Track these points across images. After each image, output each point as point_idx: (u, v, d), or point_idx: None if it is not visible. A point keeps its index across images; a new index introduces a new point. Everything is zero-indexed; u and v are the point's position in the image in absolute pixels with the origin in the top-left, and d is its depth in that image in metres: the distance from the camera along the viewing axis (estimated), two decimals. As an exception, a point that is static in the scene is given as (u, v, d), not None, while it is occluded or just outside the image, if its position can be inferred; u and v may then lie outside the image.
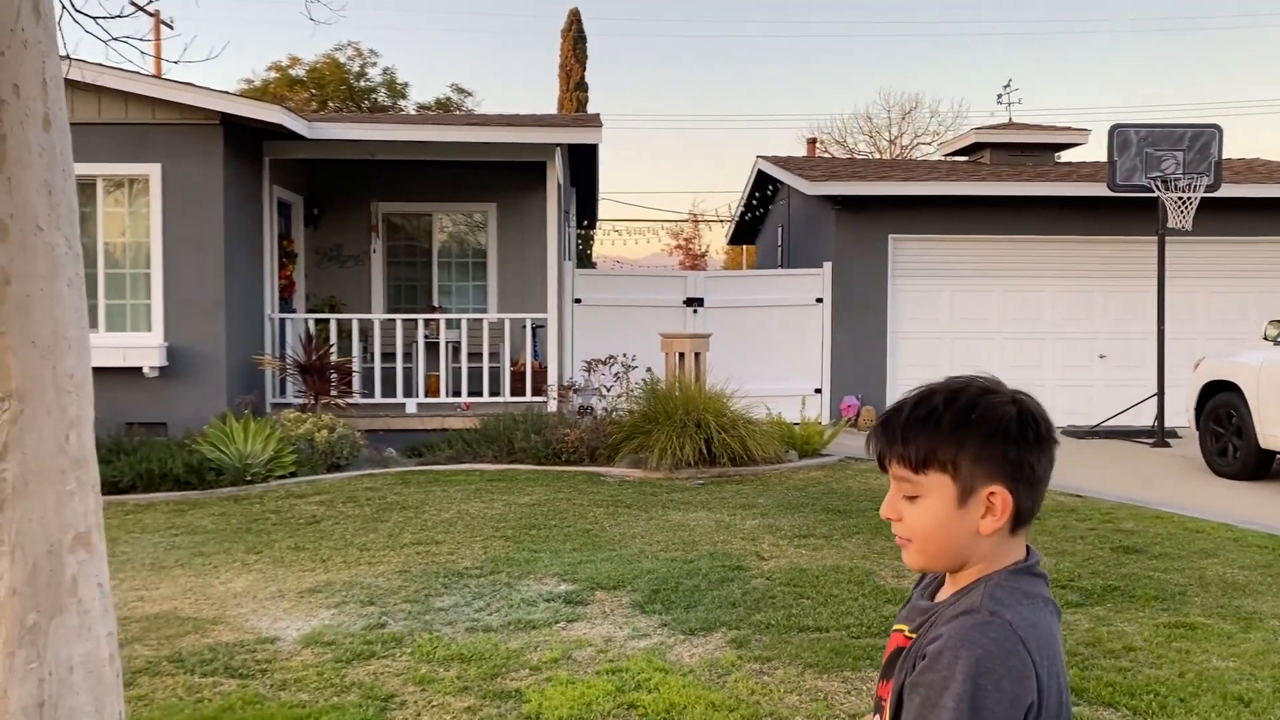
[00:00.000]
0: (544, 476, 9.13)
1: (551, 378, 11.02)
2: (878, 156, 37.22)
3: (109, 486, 7.41)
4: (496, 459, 9.82)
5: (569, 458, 9.66)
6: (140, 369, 9.61)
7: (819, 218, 14.07)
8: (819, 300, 13.25)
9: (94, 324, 9.87)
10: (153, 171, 9.67)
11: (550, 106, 34.43)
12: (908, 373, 13.15)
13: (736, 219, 21.09)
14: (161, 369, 9.67)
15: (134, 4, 24.25)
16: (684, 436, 9.35)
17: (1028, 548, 1.35)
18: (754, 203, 18.69)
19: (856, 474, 9.51)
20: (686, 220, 41.40)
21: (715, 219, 39.45)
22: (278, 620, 5.10)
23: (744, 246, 25.07)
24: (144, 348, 9.61)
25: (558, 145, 11.07)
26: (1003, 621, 1.22)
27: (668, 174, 71.47)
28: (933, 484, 1.30)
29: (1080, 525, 7.29)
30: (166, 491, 8.32)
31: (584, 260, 27.25)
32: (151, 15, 24.38)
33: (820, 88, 64.64)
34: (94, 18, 2.44)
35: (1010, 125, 16.07)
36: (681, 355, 10.35)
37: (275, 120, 9.76)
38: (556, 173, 11.18)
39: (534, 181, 12.60)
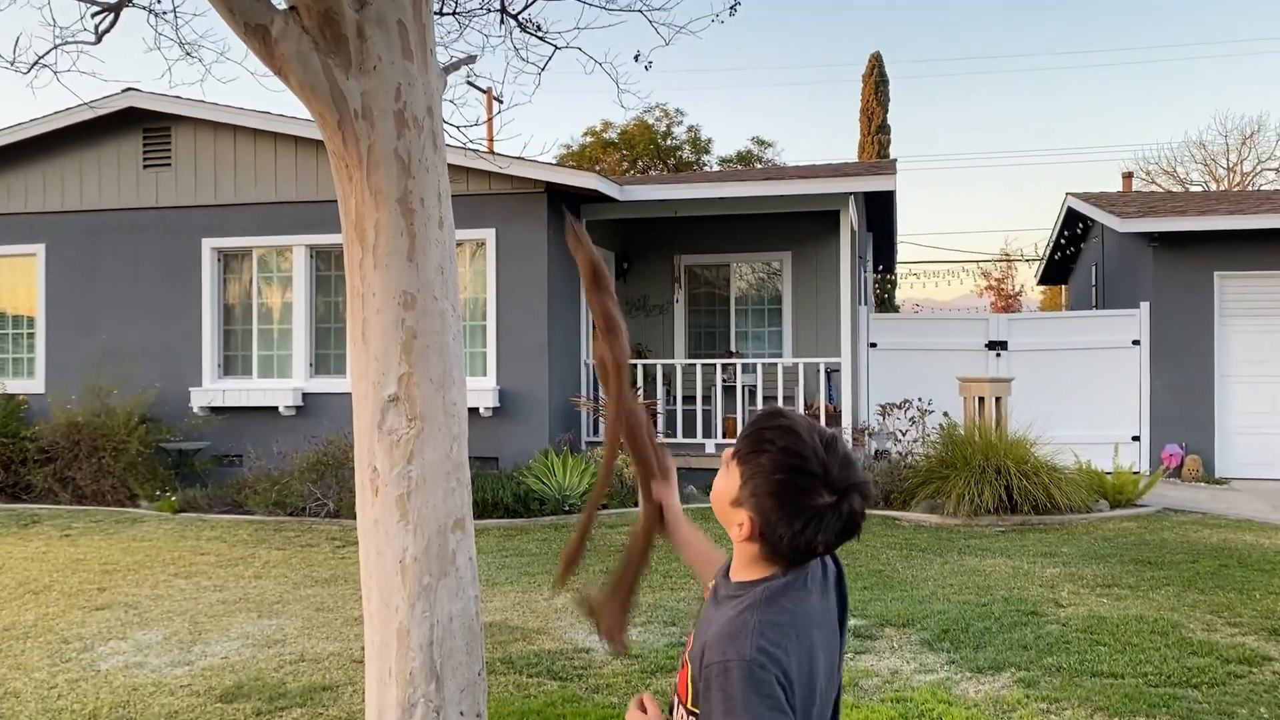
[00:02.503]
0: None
1: (845, 421, 11.20)
2: (1213, 186, 34.16)
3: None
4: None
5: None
6: (478, 409, 10.83)
7: (1134, 256, 13.34)
8: (1135, 342, 12.53)
9: (439, 370, 11.26)
10: (488, 235, 10.96)
11: (851, 151, 34.51)
12: (1239, 420, 12.12)
13: (1046, 258, 20.25)
14: (494, 409, 10.84)
15: (470, 84, 27.00)
16: (983, 482, 9.23)
17: None
18: (1063, 241, 17.91)
19: (1174, 526, 8.95)
20: (998, 260, 39.88)
21: (1026, 259, 37.74)
22: (591, 634, 5.69)
23: (1057, 286, 23.89)
24: (481, 390, 10.83)
25: (851, 194, 11.34)
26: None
27: (977, 213, 69.08)
28: None
29: None
30: (497, 518, 9.35)
31: (885, 305, 27.02)
32: (484, 92, 27.18)
33: (1144, 116, 60.25)
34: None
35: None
36: (981, 399, 10.22)
37: (591, 186, 10.77)
38: (850, 220, 11.43)
39: (828, 229, 12.92)
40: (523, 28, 3.89)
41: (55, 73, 3.64)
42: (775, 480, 1.48)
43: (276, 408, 11.14)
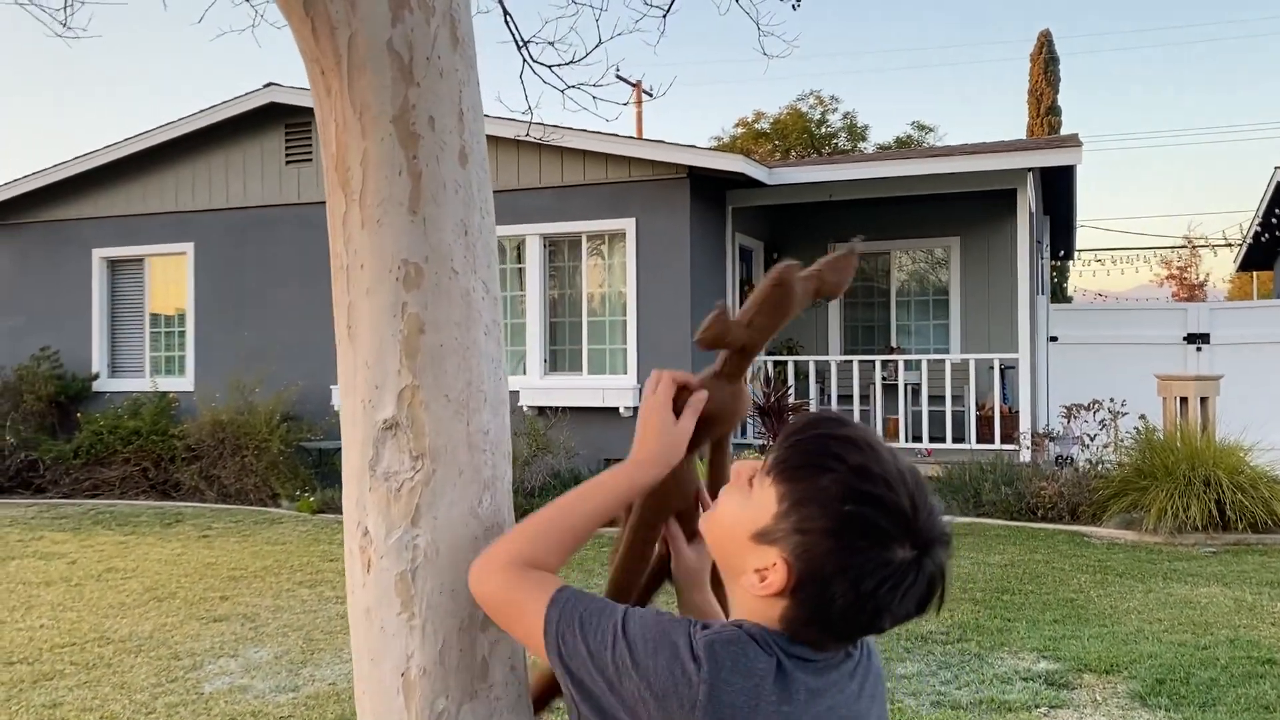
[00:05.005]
0: (1016, 534, 8.29)
1: (1023, 424, 10.09)
2: None
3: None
4: (962, 511, 9.13)
5: (1045, 514, 8.71)
6: (616, 409, 10.25)
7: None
8: (1367, 333, 10.90)
9: (578, 368, 10.74)
10: (628, 226, 10.35)
11: (1019, 134, 32.59)
12: None
13: (1249, 240, 18.23)
14: (634, 409, 10.24)
15: (619, 77, 26.74)
16: (1188, 495, 8.02)
17: None
18: (1275, 220, 16.01)
19: None
20: (1181, 246, 36.89)
21: (1217, 243, 34.72)
22: None
23: (1255, 274, 21.64)
24: (620, 389, 10.25)
25: (1028, 170, 10.20)
26: None
27: (1157, 197, 64.57)
28: None
29: None
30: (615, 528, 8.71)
31: (1058, 295, 25.20)
32: (633, 85, 26.76)
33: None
34: (550, 66, 2.51)
35: None
36: (1183, 400, 8.97)
37: (736, 169, 10.03)
38: (1028, 200, 10.30)
39: (1001, 212, 11.75)
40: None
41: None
42: (843, 514, 1.03)
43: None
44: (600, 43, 2.81)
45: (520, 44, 2.70)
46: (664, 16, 3.32)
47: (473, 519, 1.29)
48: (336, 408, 9.36)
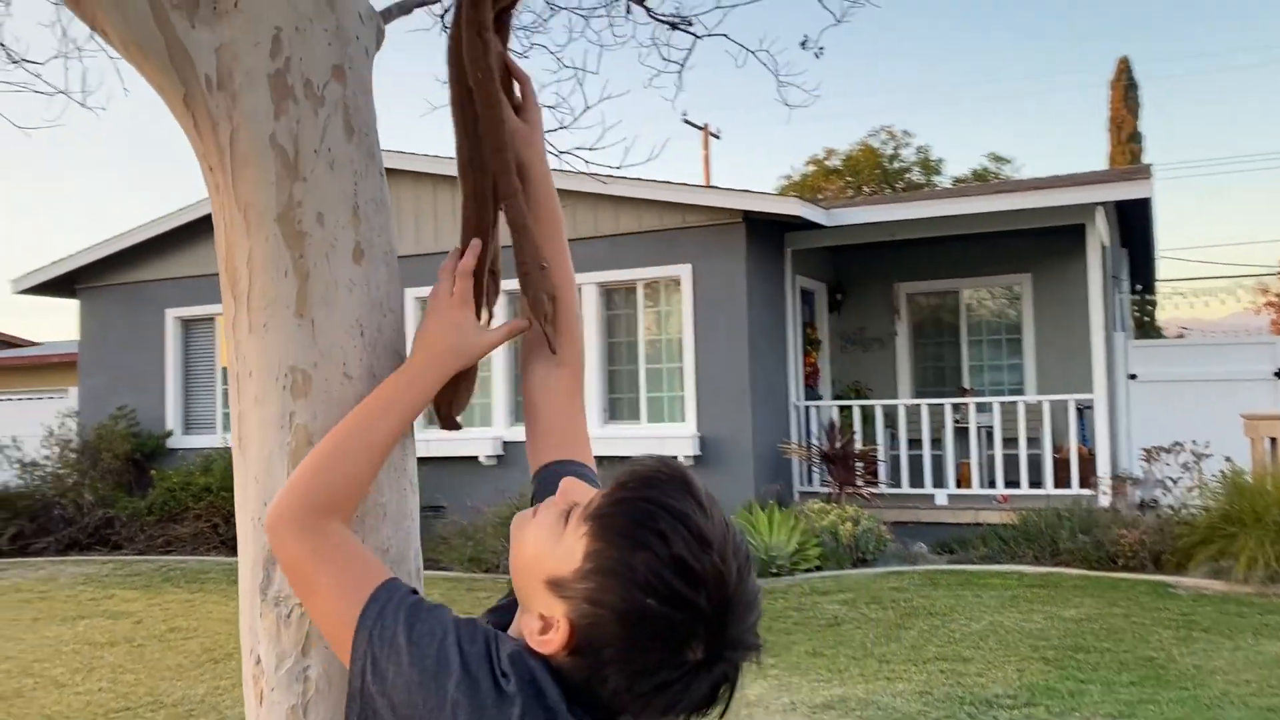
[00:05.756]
0: (1094, 584, 7.90)
1: (1102, 467, 9.66)
2: None
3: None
4: (1037, 560, 8.74)
5: (1126, 563, 8.29)
6: (676, 458, 10.09)
7: None
8: None
9: (635, 416, 10.65)
10: (684, 272, 10.26)
11: (1100, 163, 31.89)
12: None
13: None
14: (695, 458, 10.08)
15: (685, 121, 26.78)
16: (1280, 542, 7.56)
17: None
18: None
19: None
20: (1276, 273, 35.39)
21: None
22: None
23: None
24: (679, 437, 10.11)
25: (1097, 204, 9.86)
26: None
27: (1250, 223, 62.37)
28: None
29: None
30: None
31: (1145, 329, 24.35)
32: (700, 129, 26.83)
33: None
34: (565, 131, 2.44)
35: None
36: (1274, 440, 8.49)
37: (792, 212, 9.90)
38: (1098, 235, 9.95)
39: (1072, 247, 11.37)
40: (653, 16, 3.14)
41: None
42: (641, 605, 0.93)
43: (476, 457, 10.86)
44: (588, 106, 2.73)
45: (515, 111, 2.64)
46: (679, 72, 3.24)
47: (371, 647, 1.18)
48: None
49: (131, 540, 11.31)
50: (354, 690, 1.00)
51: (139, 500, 11.55)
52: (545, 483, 1.23)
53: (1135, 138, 31.08)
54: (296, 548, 1.06)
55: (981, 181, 31.96)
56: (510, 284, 1.25)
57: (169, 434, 12.61)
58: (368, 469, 1.12)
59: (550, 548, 1.00)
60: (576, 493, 1.04)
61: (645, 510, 0.96)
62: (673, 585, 0.93)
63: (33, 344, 29.36)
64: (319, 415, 1.17)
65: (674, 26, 3.16)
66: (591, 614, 0.95)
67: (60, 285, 13.51)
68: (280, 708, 1.16)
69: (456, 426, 1.29)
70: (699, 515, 0.96)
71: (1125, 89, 31.40)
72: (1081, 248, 10.57)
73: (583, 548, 0.97)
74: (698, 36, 3.20)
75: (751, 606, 0.98)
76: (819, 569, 8.83)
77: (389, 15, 1.76)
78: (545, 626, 0.98)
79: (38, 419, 13.82)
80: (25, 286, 13.48)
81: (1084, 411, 10.88)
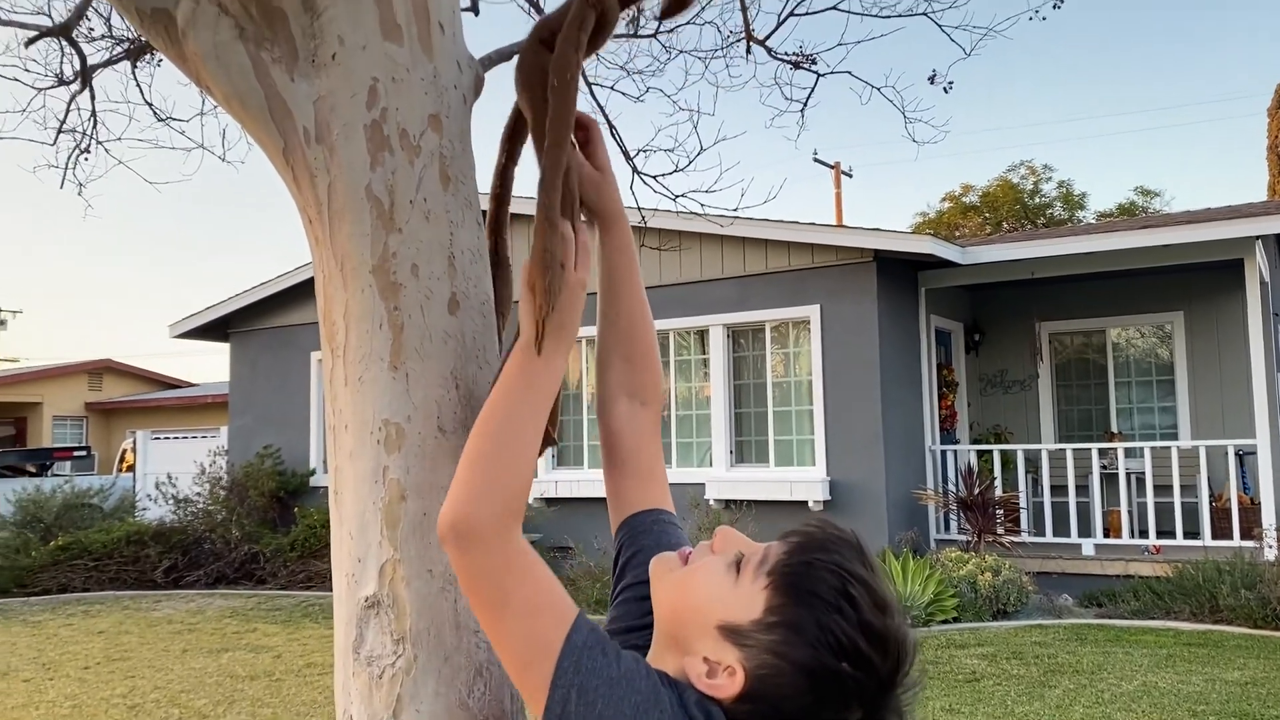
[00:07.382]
0: (1260, 644, 7.31)
1: (1267, 518, 8.98)
2: None
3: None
4: (1195, 616, 8.16)
5: (1297, 622, 7.65)
6: (805, 502, 9.89)
7: None
8: None
9: (764, 459, 10.48)
10: (812, 313, 10.09)
11: (1259, 194, 30.15)
12: None
13: None
14: (824, 503, 9.84)
15: (816, 160, 26.64)
16: None
17: None
18: None
19: None
20: None
21: None
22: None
23: None
24: (809, 481, 9.89)
25: (1256, 238, 9.27)
26: None
27: None
28: None
29: None
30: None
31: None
32: (831, 167, 26.60)
33: None
34: (655, 177, 2.40)
35: None
36: None
37: (925, 250, 9.64)
38: (1258, 270, 9.35)
39: (1229, 283, 10.72)
40: (775, 55, 3.08)
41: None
42: (830, 666, 0.97)
43: (603, 499, 10.85)
44: (702, 149, 2.68)
45: (627, 156, 2.62)
46: (802, 111, 3.16)
47: (462, 711, 1.13)
48: (531, 500, 9.53)
49: (275, 575, 11.72)
50: (551, 718, 0.98)
51: (282, 536, 11.98)
52: (643, 532, 1.25)
53: (1297, 165, 29.29)
54: (486, 560, 0.98)
55: (1128, 216, 30.64)
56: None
57: (312, 472, 13.08)
58: (529, 460, 1.05)
59: (724, 594, 1.01)
60: (738, 542, 1.06)
61: (835, 572, 1.00)
62: (860, 649, 0.97)
63: (190, 384, 31.03)
64: (411, 469, 1.14)
65: (796, 65, 3.10)
66: (773, 666, 0.98)
67: (214, 329, 14.26)
68: (371, 770, 1.12)
69: (554, 442, 1.24)
70: (875, 580, 1.01)
71: (1285, 116, 29.66)
72: (1239, 283, 9.94)
73: (764, 600, 1.00)
74: (820, 74, 3.13)
75: (911, 664, 1.02)
76: (956, 620, 8.46)
77: (489, 62, 1.76)
78: (712, 670, 1.00)
79: (191, 457, 14.54)
80: (182, 331, 14.28)
81: (1244, 458, 10.18)
